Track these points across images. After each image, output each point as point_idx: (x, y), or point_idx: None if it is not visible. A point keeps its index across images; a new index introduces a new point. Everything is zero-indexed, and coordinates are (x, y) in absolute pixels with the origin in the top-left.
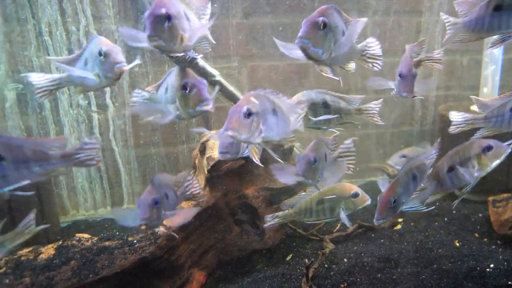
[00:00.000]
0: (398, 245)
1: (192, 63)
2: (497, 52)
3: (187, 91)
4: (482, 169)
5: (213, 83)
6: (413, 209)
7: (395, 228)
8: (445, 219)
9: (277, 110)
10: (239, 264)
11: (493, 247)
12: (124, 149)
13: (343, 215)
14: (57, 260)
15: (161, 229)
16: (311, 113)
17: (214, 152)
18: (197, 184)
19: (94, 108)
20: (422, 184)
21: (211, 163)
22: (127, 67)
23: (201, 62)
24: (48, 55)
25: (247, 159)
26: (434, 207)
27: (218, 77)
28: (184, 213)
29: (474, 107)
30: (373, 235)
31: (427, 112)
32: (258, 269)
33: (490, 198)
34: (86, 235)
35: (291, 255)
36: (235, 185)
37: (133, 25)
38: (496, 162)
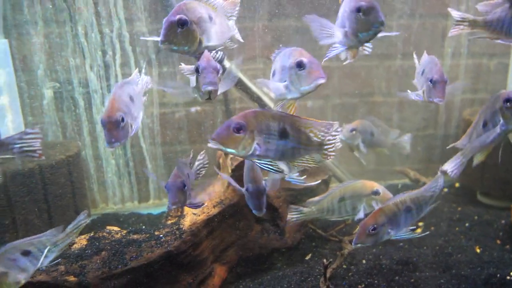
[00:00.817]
0: (417, 248)
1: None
2: None
3: (301, 69)
4: (507, 123)
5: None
6: (403, 237)
7: (415, 231)
8: (467, 224)
9: (213, 17)
10: (259, 261)
11: None
12: (151, 147)
13: (361, 214)
14: (89, 250)
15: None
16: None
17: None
18: (207, 161)
19: None
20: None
21: (235, 163)
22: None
23: (227, 64)
24: (84, 56)
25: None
26: (428, 232)
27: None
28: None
29: None
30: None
31: (451, 116)
32: (278, 267)
33: None
34: (116, 228)
35: (310, 254)
36: None
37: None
38: None
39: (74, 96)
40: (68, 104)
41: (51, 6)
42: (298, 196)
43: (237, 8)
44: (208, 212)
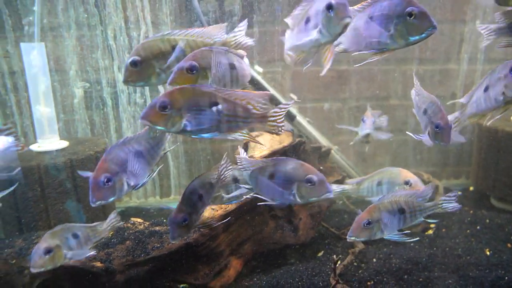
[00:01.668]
0: (427, 249)
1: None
2: None
3: (330, 11)
4: (508, 93)
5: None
6: (394, 238)
7: (426, 233)
8: (478, 227)
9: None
10: (272, 256)
11: None
12: (173, 144)
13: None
14: (114, 239)
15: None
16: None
17: (255, 152)
18: (230, 166)
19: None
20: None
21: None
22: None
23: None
24: (112, 58)
25: None
26: (418, 238)
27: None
28: None
29: None
30: None
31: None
32: (291, 262)
33: None
34: (139, 220)
35: (322, 252)
36: None
37: None
38: None
39: (102, 95)
40: (97, 103)
41: (82, 11)
42: None
43: (223, 32)
44: (225, 208)
